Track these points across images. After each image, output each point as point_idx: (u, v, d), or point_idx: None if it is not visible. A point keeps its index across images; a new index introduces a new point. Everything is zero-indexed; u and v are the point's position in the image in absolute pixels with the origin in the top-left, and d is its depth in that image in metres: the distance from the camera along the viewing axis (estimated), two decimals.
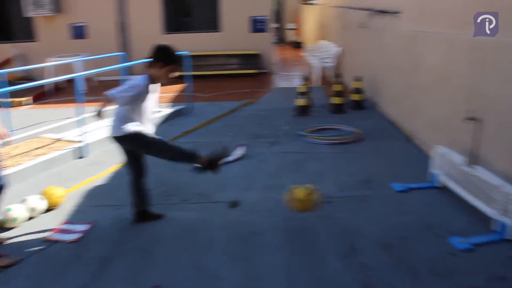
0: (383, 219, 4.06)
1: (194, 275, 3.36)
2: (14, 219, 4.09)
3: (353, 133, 6.70)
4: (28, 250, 3.71)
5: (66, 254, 3.67)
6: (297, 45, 21.34)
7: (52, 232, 4.00)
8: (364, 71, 9.00)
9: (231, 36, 13.24)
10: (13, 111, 7.97)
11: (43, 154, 5.86)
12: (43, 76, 10.48)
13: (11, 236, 3.95)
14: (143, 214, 4.16)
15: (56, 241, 3.86)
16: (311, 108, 8.30)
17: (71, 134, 6.69)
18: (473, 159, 4.32)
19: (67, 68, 9.86)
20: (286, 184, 4.95)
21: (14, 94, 8.30)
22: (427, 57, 5.87)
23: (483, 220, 3.89)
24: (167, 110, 8.37)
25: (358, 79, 8.55)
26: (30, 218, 4.26)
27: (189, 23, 13.82)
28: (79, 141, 6.17)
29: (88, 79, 11.91)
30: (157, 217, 4.22)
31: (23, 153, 5.94)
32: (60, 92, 11.45)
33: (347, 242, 3.72)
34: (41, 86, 10.60)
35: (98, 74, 11.38)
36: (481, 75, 4.40)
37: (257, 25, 13.34)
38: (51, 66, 10.61)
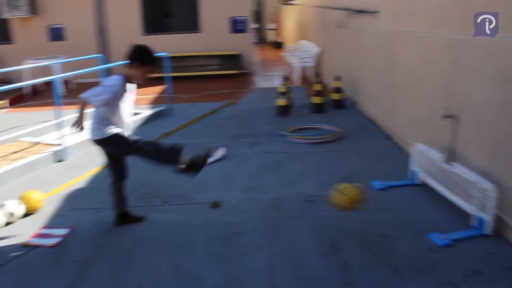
0: (364, 217, 4.09)
1: (175, 276, 3.35)
2: None
3: (333, 132, 6.75)
4: (6, 255, 3.65)
5: (46, 259, 3.62)
6: (278, 45, 21.37)
7: (31, 237, 3.94)
8: (344, 70, 9.08)
9: (211, 37, 13.21)
10: None
11: (21, 158, 5.77)
12: (20, 78, 10.33)
13: None
14: (124, 216, 4.13)
15: (36, 246, 3.80)
16: (292, 108, 8.34)
17: (50, 137, 6.60)
18: (451, 156, 4.40)
19: (45, 71, 9.71)
20: (267, 184, 4.98)
21: None
22: (405, 56, 5.95)
23: (462, 216, 3.96)
24: (147, 112, 8.31)
25: (338, 78, 8.61)
26: (8, 223, 4.19)
27: (169, 24, 13.77)
28: (58, 144, 6.10)
29: (67, 82, 11.78)
30: (138, 219, 4.20)
31: (0, 157, 5.85)
32: (38, 95, 11.29)
33: (328, 240, 3.75)
34: (19, 89, 10.42)
35: (76, 76, 11.26)
36: (458, 74, 4.47)
37: (237, 26, 13.34)
38: (29, 69, 10.45)
